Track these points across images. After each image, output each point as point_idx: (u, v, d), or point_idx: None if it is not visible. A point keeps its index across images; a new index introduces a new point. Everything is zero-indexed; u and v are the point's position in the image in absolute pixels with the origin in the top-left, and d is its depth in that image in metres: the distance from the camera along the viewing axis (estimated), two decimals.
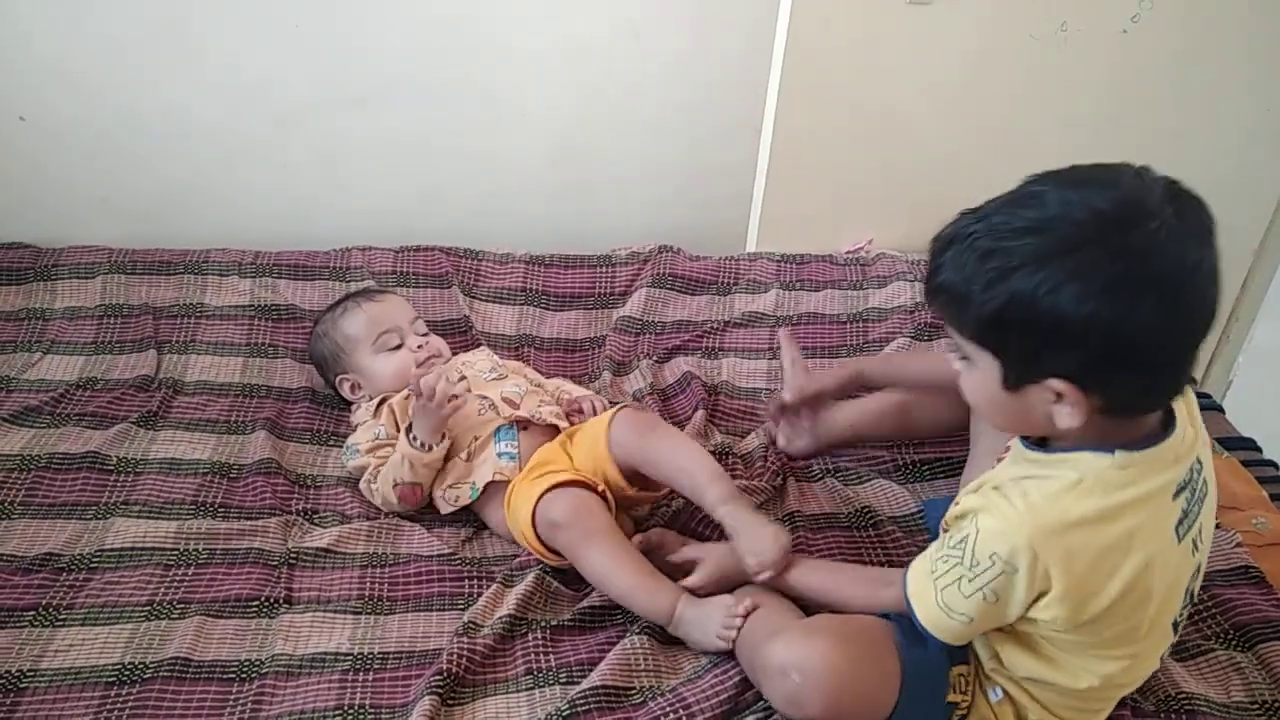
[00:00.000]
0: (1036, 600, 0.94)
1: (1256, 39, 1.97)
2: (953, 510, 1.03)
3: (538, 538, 1.27)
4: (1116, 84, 1.97)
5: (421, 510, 1.43)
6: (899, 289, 1.86)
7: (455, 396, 1.39)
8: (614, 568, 1.22)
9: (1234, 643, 1.23)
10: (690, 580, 1.21)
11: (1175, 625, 1.02)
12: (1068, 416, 0.88)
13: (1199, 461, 0.97)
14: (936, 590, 0.99)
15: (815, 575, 1.18)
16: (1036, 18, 1.87)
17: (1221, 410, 1.69)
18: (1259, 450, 1.61)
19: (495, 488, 1.38)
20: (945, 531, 1.02)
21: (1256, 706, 1.16)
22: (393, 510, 1.41)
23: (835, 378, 1.44)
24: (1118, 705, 1.11)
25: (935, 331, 1.77)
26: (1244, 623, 1.24)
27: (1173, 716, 1.13)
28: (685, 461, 1.27)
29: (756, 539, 1.17)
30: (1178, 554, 0.95)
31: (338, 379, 1.54)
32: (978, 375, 0.93)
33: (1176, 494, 0.93)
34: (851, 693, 1.02)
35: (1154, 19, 1.90)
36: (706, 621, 1.16)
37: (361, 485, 1.43)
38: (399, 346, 1.52)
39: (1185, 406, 0.97)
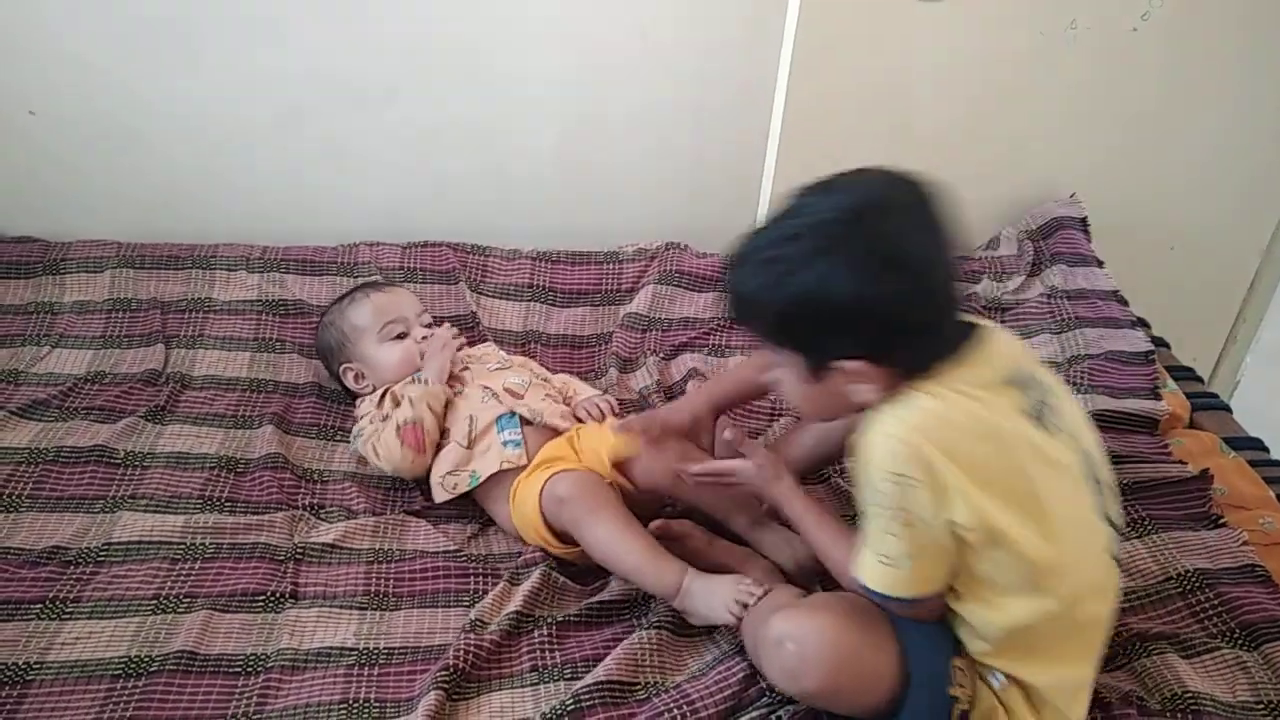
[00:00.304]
0: (942, 501, 0.95)
1: (1267, 38, 1.96)
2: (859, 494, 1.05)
3: (545, 523, 1.27)
4: (1125, 82, 1.97)
5: (427, 506, 1.43)
6: None
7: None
8: (620, 542, 1.23)
9: (1240, 642, 1.22)
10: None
11: (1110, 520, 1.04)
12: (867, 392, 0.99)
13: (1026, 368, 1.03)
14: (873, 552, 1.01)
15: (815, 519, 1.17)
16: (1046, 15, 1.86)
17: (1229, 410, 1.68)
18: (1266, 450, 1.61)
19: (501, 480, 1.38)
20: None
21: (1262, 706, 1.15)
22: (395, 465, 1.41)
23: (689, 412, 1.37)
24: (1123, 703, 1.11)
25: None
26: (1250, 621, 1.23)
27: (1179, 715, 1.12)
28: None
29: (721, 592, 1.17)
30: (1043, 438, 0.99)
31: (342, 368, 1.54)
32: (787, 375, 1.04)
33: (1006, 384, 1.00)
34: (849, 668, 1.02)
35: (1164, 17, 1.89)
36: (716, 593, 1.16)
37: (362, 446, 1.44)
38: (404, 336, 1.53)
39: (995, 343, 1.02)
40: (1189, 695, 1.13)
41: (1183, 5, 1.88)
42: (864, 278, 0.93)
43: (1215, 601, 1.26)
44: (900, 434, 0.95)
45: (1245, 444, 1.59)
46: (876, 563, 1.01)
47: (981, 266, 1.92)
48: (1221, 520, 1.39)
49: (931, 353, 0.98)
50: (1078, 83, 1.95)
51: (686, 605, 1.19)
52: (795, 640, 1.03)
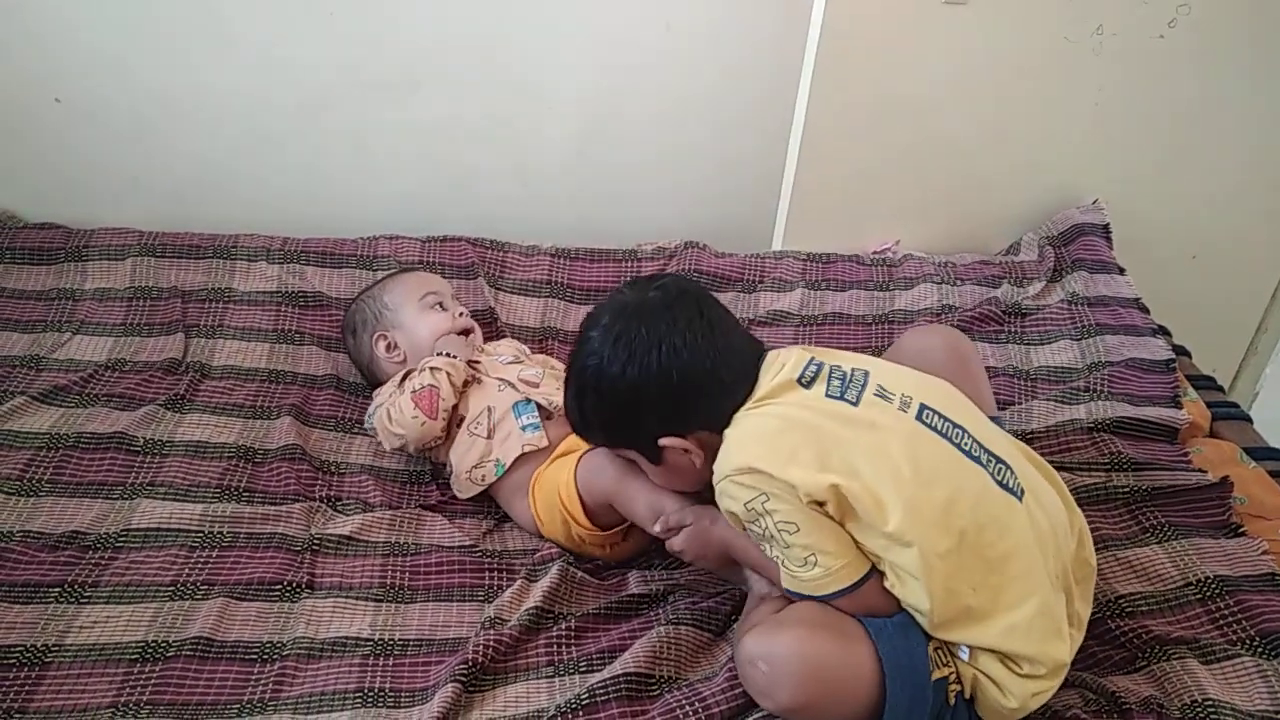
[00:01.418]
0: (792, 497, 1.04)
1: None
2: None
3: (580, 500, 1.27)
4: (1151, 89, 1.96)
5: (443, 501, 1.44)
6: (925, 291, 1.85)
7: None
8: (656, 491, 1.23)
9: (1260, 650, 1.21)
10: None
11: (1010, 489, 1.08)
12: (696, 459, 1.13)
13: (816, 362, 1.14)
14: (787, 568, 1.08)
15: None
16: (1072, 20, 1.85)
17: (1249, 420, 1.67)
18: None
19: (520, 470, 1.39)
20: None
21: None
22: (405, 428, 1.41)
23: None
24: (1143, 709, 1.11)
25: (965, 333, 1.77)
26: (1270, 630, 1.22)
27: None
28: None
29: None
30: (854, 410, 1.09)
31: (375, 337, 1.54)
32: (643, 469, 1.20)
33: (798, 382, 1.11)
34: (820, 681, 1.02)
35: (1191, 24, 1.88)
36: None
37: (376, 416, 1.45)
38: (441, 306, 1.55)
39: (776, 356, 1.15)
40: (1209, 702, 1.12)
41: (1210, 13, 1.87)
42: (633, 366, 1.09)
43: (1235, 608, 1.25)
44: (726, 473, 1.08)
45: (1265, 454, 1.57)
46: (794, 575, 1.08)
47: (1002, 271, 1.92)
48: (1241, 529, 1.38)
49: (722, 406, 1.11)
50: (1102, 89, 1.94)
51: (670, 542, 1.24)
52: (765, 659, 1.04)
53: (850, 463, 1.05)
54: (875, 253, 2.00)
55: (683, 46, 1.84)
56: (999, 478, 1.08)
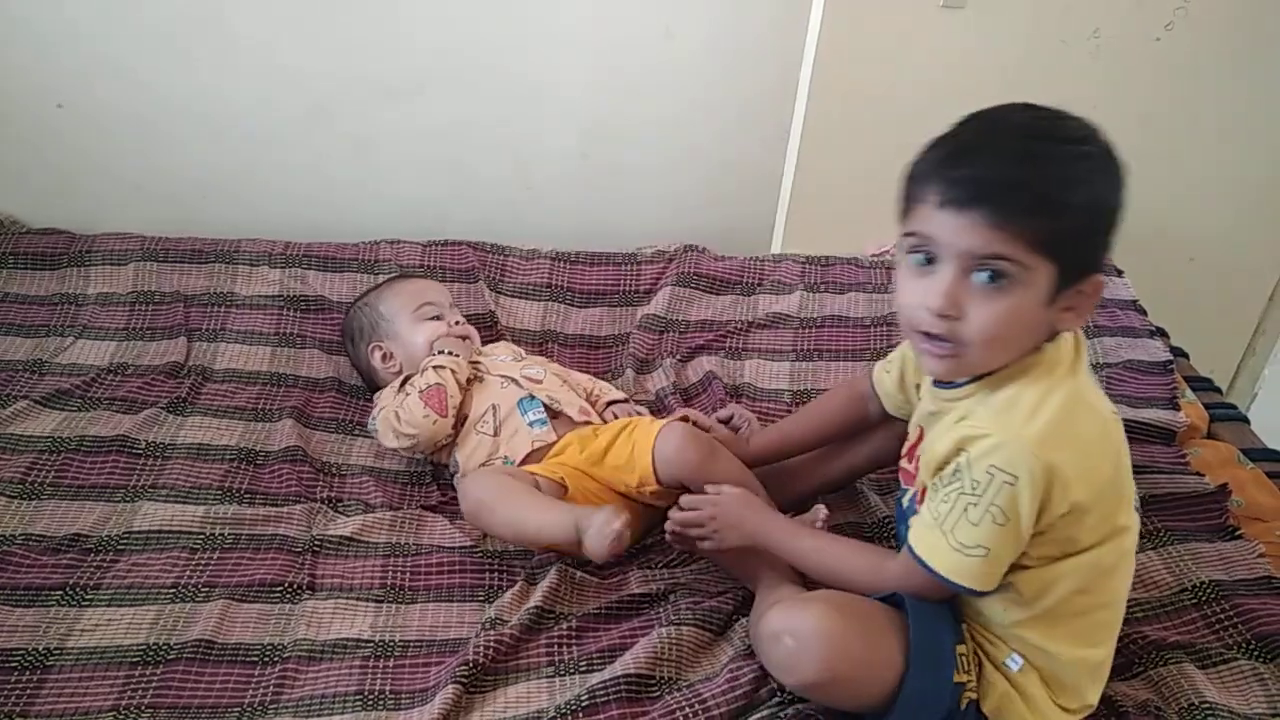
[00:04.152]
0: (1045, 504, 0.95)
1: None
2: (927, 463, 1.05)
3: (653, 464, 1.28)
4: (1148, 91, 1.97)
5: (444, 501, 1.44)
6: None
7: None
8: (520, 516, 1.24)
9: (1256, 653, 1.22)
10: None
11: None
12: (1074, 318, 0.98)
13: None
14: (946, 534, 0.99)
15: (814, 543, 1.18)
16: (1069, 24, 1.86)
17: (1247, 421, 1.68)
18: None
19: (529, 461, 1.39)
20: (930, 487, 1.04)
21: (1277, 718, 1.15)
22: (416, 427, 1.40)
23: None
24: (1140, 712, 1.11)
25: None
26: (1266, 633, 1.23)
27: None
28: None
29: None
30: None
31: (371, 347, 1.55)
32: (1018, 295, 0.94)
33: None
34: (846, 659, 1.01)
35: (1187, 27, 1.89)
36: (595, 534, 1.15)
37: (380, 419, 1.45)
38: (437, 319, 1.55)
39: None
40: (1205, 705, 1.12)
41: (1205, 16, 1.88)
42: (1120, 195, 0.95)
43: (1231, 613, 1.25)
44: (1031, 438, 0.94)
45: (1263, 455, 1.58)
46: (948, 547, 0.99)
47: None
48: (1238, 532, 1.38)
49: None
50: (1100, 92, 1.94)
51: (587, 547, 1.17)
52: (792, 633, 1.02)
53: (1120, 491, 1.02)
54: (874, 255, 2.01)
55: (683, 52, 1.85)
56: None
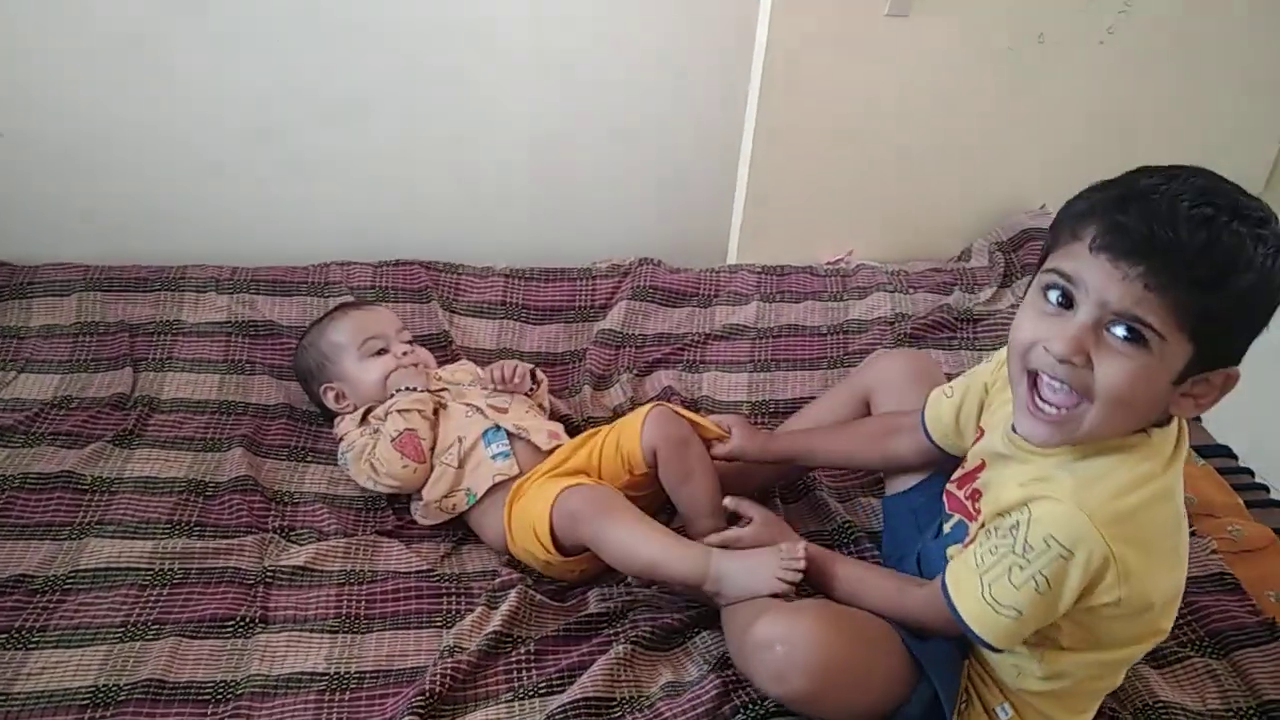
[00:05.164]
0: (1091, 587, 0.92)
1: (1229, 46, 1.99)
2: (991, 508, 1.01)
3: (552, 534, 1.26)
4: (1094, 93, 1.99)
5: (400, 525, 1.43)
6: (879, 300, 1.87)
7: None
8: (638, 538, 1.22)
9: (1210, 650, 1.23)
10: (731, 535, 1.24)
11: None
12: (1193, 407, 0.91)
13: None
14: (983, 584, 0.96)
15: (844, 569, 1.17)
16: (1014, 29, 1.88)
17: (1198, 418, 1.70)
18: (1235, 458, 1.62)
19: (492, 493, 1.38)
20: (984, 530, 1.02)
21: (1232, 714, 1.17)
22: (396, 477, 1.39)
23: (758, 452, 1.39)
24: (1097, 716, 1.11)
25: (915, 342, 1.78)
26: (1219, 630, 1.24)
27: None
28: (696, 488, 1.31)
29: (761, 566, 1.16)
30: None
31: (323, 389, 1.53)
32: (1149, 365, 0.87)
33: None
34: (838, 669, 1.00)
35: (1130, 29, 1.92)
36: (757, 569, 1.15)
37: (354, 465, 1.43)
38: (384, 352, 1.52)
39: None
40: (1160, 705, 1.14)
41: (1148, 18, 1.91)
42: None
43: (1185, 611, 1.27)
44: (1096, 517, 0.90)
45: (1214, 451, 1.60)
46: (981, 598, 0.97)
47: (953, 278, 1.94)
48: (1191, 529, 1.40)
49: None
50: (1047, 95, 1.98)
51: (721, 587, 1.17)
52: (784, 642, 1.01)
53: (1176, 580, 0.99)
54: (829, 263, 2.02)
55: (632, 66, 1.85)
56: None
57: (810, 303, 1.88)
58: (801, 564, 1.13)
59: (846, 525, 1.40)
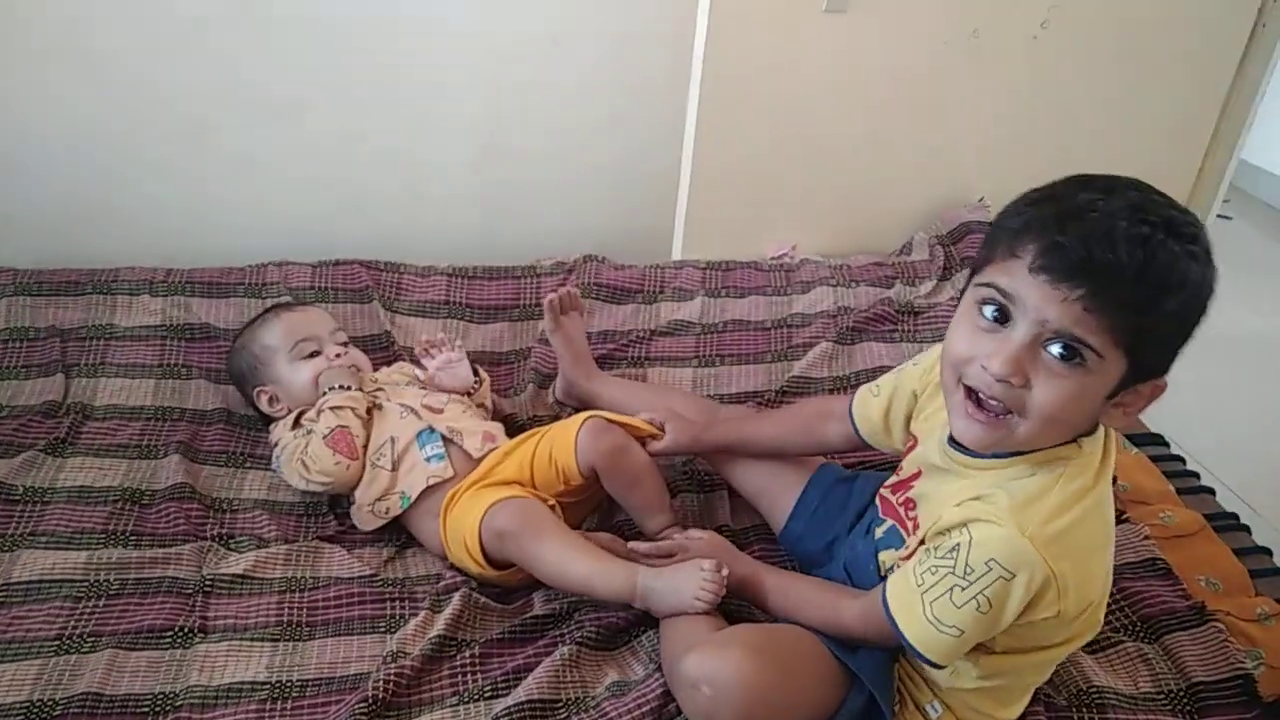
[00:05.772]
0: (1034, 604, 0.94)
1: (1160, 39, 2.04)
2: (930, 526, 1.02)
3: (482, 550, 1.26)
4: (1028, 87, 2.03)
5: (341, 531, 1.41)
6: (822, 294, 1.88)
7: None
8: (566, 559, 1.22)
9: (1141, 634, 1.26)
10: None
11: None
12: (1122, 416, 0.93)
13: None
14: (924, 604, 0.97)
15: (773, 580, 1.20)
16: (949, 25, 1.91)
17: None
18: (1166, 445, 1.66)
19: (427, 496, 1.37)
20: (923, 547, 1.02)
21: (1163, 696, 1.20)
22: (328, 474, 1.38)
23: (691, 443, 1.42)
24: (1031, 702, 1.14)
25: (857, 336, 1.80)
26: (1151, 614, 1.27)
27: (1084, 711, 1.16)
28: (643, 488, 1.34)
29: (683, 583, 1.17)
30: None
31: (256, 391, 1.51)
32: (1085, 384, 0.89)
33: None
34: (765, 704, 1.02)
35: (1062, 24, 1.95)
36: (681, 586, 1.16)
37: (286, 465, 1.41)
38: (316, 354, 1.50)
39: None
40: (1093, 690, 1.16)
41: (1079, 13, 1.95)
42: (1209, 303, 0.88)
43: (1117, 596, 1.30)
44: (1036, 539, 0.92)
45: (1146, 440, 1.64)
46: (922, 617, 0.98)
47: (894, 272, 1.96)
48: (1124, 516, 1.43)
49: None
50: (982, 90, 2.00)
51: (649, 603, 1.19)
52: (709, 683, 1.01)
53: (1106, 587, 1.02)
54: (774, 258, 2.03)
55: (571, 62, 1.84)
56: None
57: (754, 298, 1.89)
58: (720, 583, 1.15)
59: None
